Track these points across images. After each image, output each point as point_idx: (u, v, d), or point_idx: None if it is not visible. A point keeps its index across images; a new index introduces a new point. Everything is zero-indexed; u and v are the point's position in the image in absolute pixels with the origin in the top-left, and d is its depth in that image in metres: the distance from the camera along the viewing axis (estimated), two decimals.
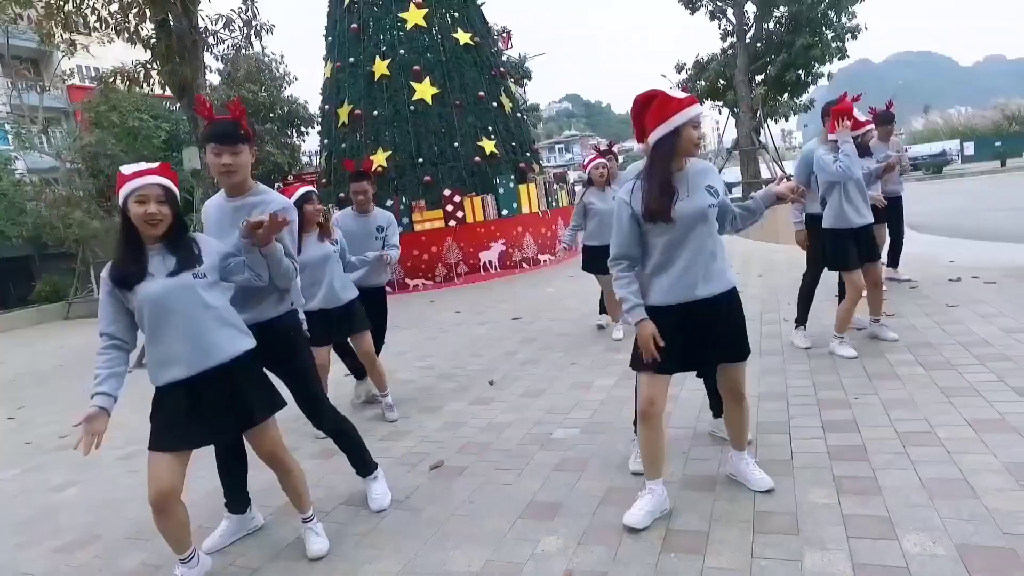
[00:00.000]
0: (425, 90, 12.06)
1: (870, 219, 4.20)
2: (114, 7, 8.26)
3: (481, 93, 12.55)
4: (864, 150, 4.30)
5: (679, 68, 22.28)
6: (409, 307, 9.31)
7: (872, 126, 4.51)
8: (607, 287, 5.61)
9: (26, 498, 3.83)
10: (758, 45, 19.37)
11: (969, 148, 41.65)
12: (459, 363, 5.58)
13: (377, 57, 12.19)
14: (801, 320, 4.66)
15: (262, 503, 3.07)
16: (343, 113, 12.56)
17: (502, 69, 13.55)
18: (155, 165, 2.36)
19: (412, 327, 7.66)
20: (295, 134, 27.55)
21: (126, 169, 2.31)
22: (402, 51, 12.15)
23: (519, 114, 13.80)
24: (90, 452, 2.15)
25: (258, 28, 9.53)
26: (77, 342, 11.40)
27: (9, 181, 16.29)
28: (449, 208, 11.46)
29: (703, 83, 21.52)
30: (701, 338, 2.45)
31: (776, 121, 19.90)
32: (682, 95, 2.44)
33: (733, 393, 2.61)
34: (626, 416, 3.58)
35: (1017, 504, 2.24)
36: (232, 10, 8.97)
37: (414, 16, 12.18)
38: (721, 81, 20.64)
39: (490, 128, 12.51)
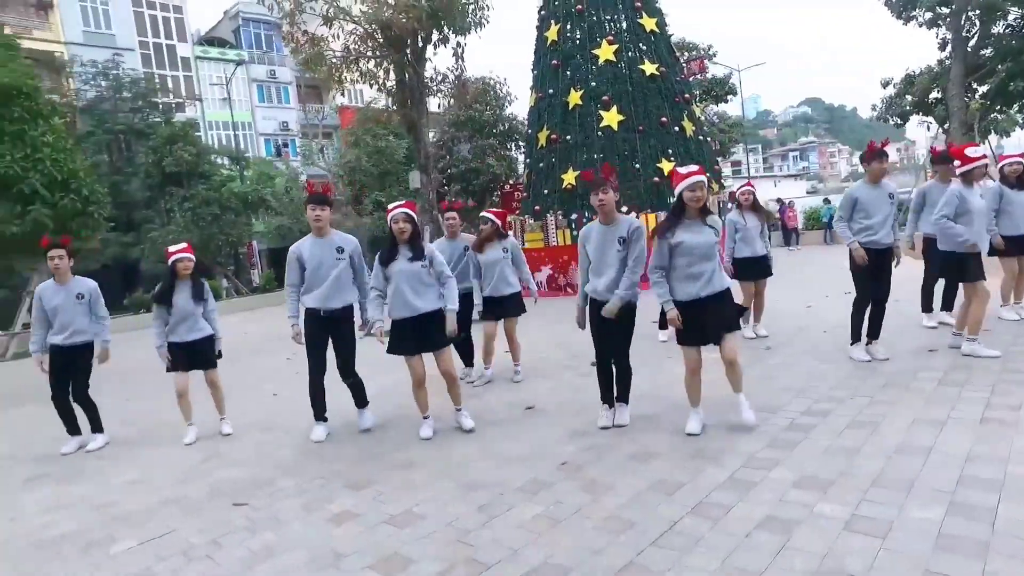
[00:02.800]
0: (612, 117, 13.51)
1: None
2: (371, 65, 11.10)
3: (664, 119, 13.64)
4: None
5: (884, 84, 20.60)
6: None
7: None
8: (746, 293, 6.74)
9: None
10: (981, 53, 17.14)
11: None
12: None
13: (572, 89, 13.94)
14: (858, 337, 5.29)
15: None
16: (542, 137, 14.54)
17: (686, 95, 14.43)
18: (403, 202, 4.45)
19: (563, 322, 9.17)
20: (514, 148, 30.68)
21: (392, 205, 4.42)
22: (593, 83, 13.75)
23: (700, 136, 14.55)
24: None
25: (465, 80, 11.92)
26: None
27: (296, 190, 21.19)
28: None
29: (910, 97, 19.62)
30: (705, 320, 3.87)
31: (999, 136, 17.37)
32: (686, 170, 3.73)
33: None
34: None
35: None
36: (448, 68, 11.47)
37: (605, 52, 13.70)
38: (933, 95, 18.63)
39: (670, 150, 13.54)
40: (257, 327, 14.39)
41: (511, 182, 27.56)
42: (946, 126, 17.60)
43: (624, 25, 14.04)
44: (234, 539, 3.27)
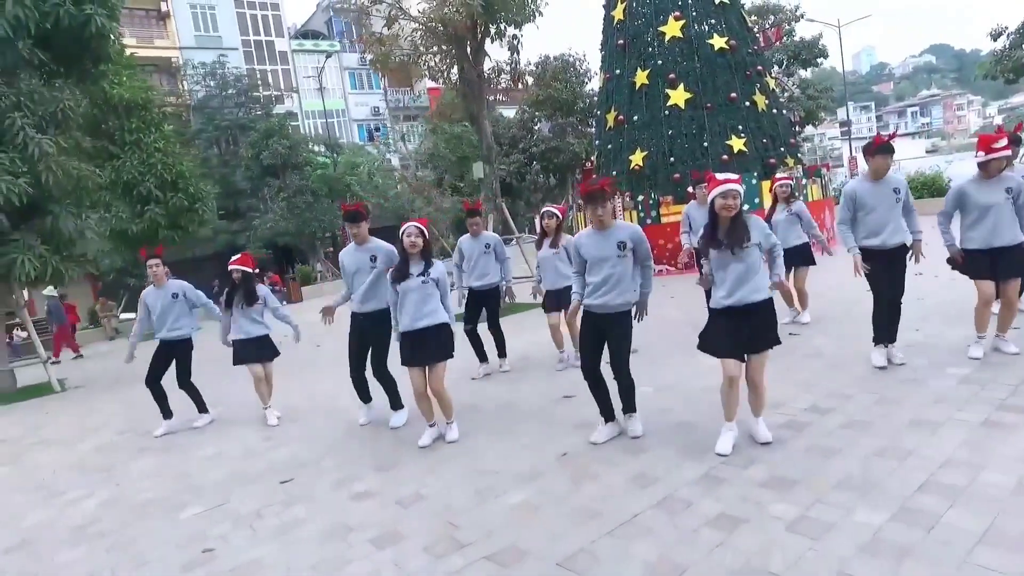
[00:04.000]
0: (678, 96, 13.28)
1: None
2: (438, 59, 11.61)
3: (733, 94, 13.24)
4: None
5: (995, 35, 18.37)
6: None
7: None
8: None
9: None
10: None
11: None
12: None
13: (638, 68, 13.80)
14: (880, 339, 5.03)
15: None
16: (610, 118, 14.54)
17: (759, 67, 13.86)
18: (417, 219, 4.79)
19: None
20: (594, 125, 30.49)
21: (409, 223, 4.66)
22: (659, 61, 13.53)
23: (775, 110, 13.96)
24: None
25: (521, 71, 12.15)
26: None
27: (381, 175, 22.36)
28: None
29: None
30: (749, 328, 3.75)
31: None
32: (723, 176, 3.76)
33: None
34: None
35: None
36: (505, 61, 11.78)
37: (672, 28, 13.42)
38: None
39: (740, 127, 13.15)
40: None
41: (591, 160, 27.50)
42: None
43: None
44: (273, 511, 3.92)
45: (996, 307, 4.94)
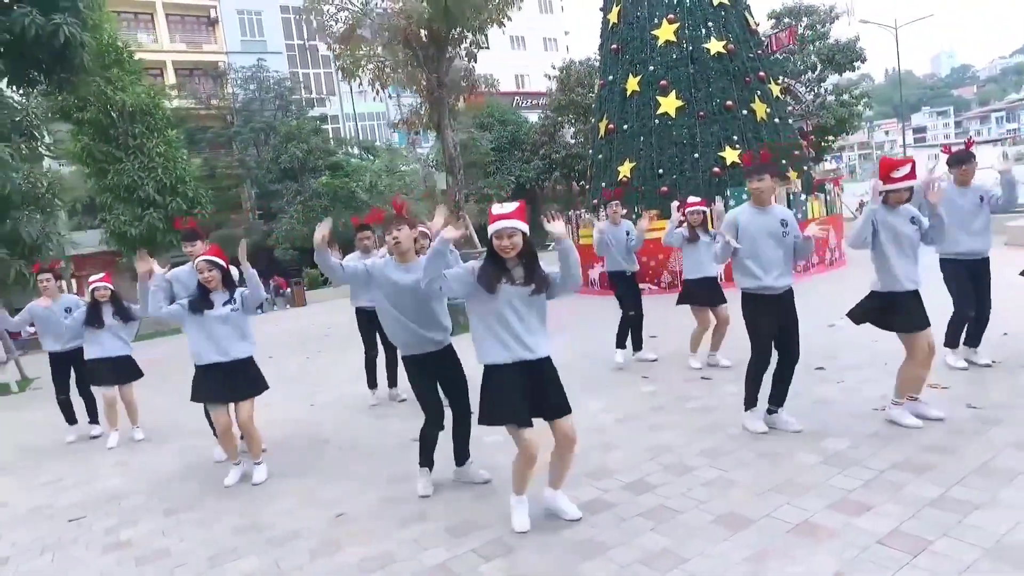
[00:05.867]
0: (669, 104, 12.54)
1: None
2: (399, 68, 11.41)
3: (729, 102, 12.38)
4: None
5: None
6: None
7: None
8: None
9: None
10: None
11: None
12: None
13: (630, 74, 13.13)
14: None
15: None
16: (602, 127, 13.91)
17: (761, 73, 12.92)
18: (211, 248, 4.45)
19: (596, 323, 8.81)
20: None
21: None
22: (651, 67, 12.82)
23: (777, 119, 12.99)
24: None
25: (475, 82, 11.76)
26: None
27: (382, 184, 22.38)
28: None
29: None
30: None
31: None
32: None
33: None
34: None
35: None
36: (462, 72, 11.41)
37: (665, 32, 12.68)
38: None
39: (735, 137, 12.29)
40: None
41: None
42: None
43: (688, 1, 12.85)
44: (26, 555, 3.70)
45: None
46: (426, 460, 3.83)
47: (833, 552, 2.70)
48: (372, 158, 31.16)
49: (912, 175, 3.94)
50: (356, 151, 32.40)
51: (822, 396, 4.76)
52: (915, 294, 4.00)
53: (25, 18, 9.55)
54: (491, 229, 3.11)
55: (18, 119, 9.71)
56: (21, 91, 10.30)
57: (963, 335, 5.05)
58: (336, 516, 3.71)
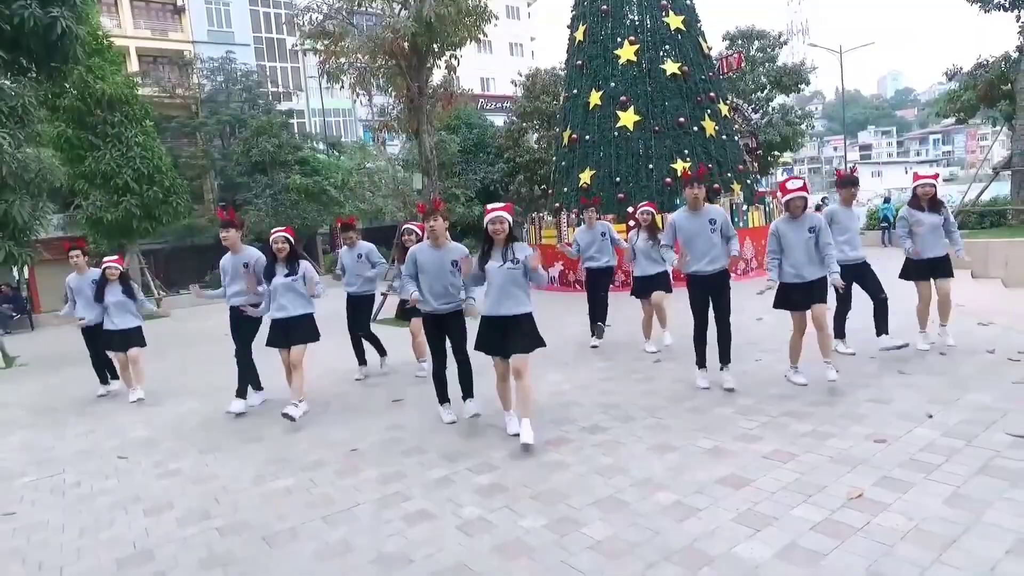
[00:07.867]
0: (628, 118, 13.72)
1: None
2: (383, 79, 12.22)
3: (682, 119, 13.64)
4: None
5: (950, 75, 18.46)
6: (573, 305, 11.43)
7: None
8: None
9: None
10: None
11: None
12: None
13: (593, 89, 14.26)
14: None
15: None
16: (565, 136, 15.02)
17: (711, 94, 14.25)
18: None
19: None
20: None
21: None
22: (612, 83, 13.98)
23: (724, 136, 14.34)
24: None
25: (459, 91, 12.70)
26: None
27: (352, 182, 22.95)
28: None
29: (971, 92, 17.39)
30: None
31: None
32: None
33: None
34: None
35: None
36: (438, 81, 12.35)
37: (626, 52, 13.87)
38: (1003, 86, 16.37)
39: (686, 151, 13.55)
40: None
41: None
42: (1013, 121, 15.51)
43: (648, 24, 14.09)
44: (92, 482, 4.48)
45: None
46: (443, 397, 5.09)
47: (731, 464, 3.77)
48: (338, 155, 31.60)
49: (804, 188, 5.10)
50: (322, 147, 32.75)
51: (743, 370, 5.88)
52: (802, 285, 5.13)
53: (25, 11, 10.02)
54: (487, 218, 4.44)
55: (13, 104, 10.15)
56: (11, 79, 10.71)
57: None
58: (350, 451, 4.61)
